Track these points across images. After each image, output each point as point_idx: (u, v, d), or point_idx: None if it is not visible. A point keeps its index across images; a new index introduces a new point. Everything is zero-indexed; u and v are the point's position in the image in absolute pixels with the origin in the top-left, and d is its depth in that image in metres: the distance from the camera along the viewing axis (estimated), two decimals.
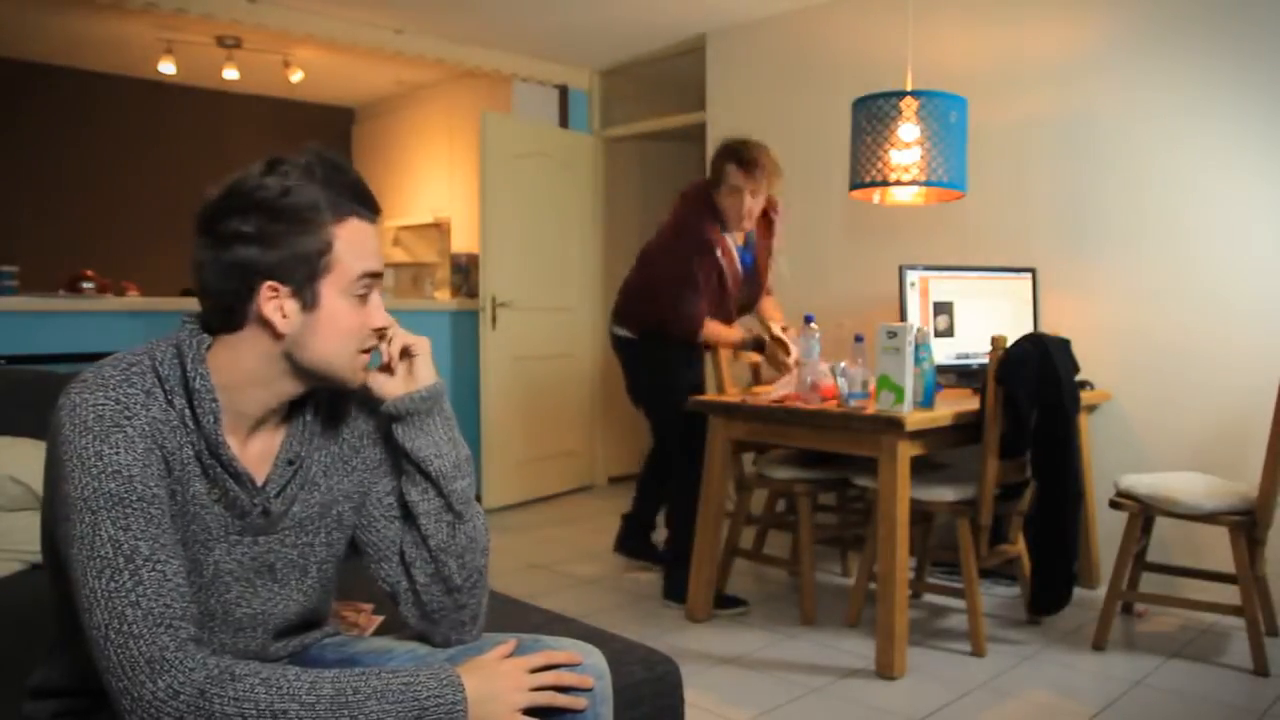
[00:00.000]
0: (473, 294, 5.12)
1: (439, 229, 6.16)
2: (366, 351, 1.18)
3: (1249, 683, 2.63)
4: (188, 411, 1.10)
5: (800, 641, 2.97)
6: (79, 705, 1.18)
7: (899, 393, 2.65)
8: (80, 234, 5.54)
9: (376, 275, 1.16)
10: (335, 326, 1.12)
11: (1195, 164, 3.27)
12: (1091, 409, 3.46)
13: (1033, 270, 3.58)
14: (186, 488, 1.10)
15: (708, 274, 3.22)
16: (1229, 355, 3.20)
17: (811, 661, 2.80)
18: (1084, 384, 3.29)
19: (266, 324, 1.10)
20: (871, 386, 2.77)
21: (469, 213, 5.58)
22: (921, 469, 2.98)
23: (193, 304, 1.16)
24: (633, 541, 3.76)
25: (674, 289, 3.24)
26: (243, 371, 1.12)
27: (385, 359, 1.22)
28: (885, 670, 2.67)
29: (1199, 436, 3.27)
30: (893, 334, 2.66)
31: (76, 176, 5.67)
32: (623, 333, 3.52)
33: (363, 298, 1.14)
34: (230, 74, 5.45)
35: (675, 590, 3.30)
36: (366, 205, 1.15)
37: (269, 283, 1.08)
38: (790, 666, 2.76)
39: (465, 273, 5.34)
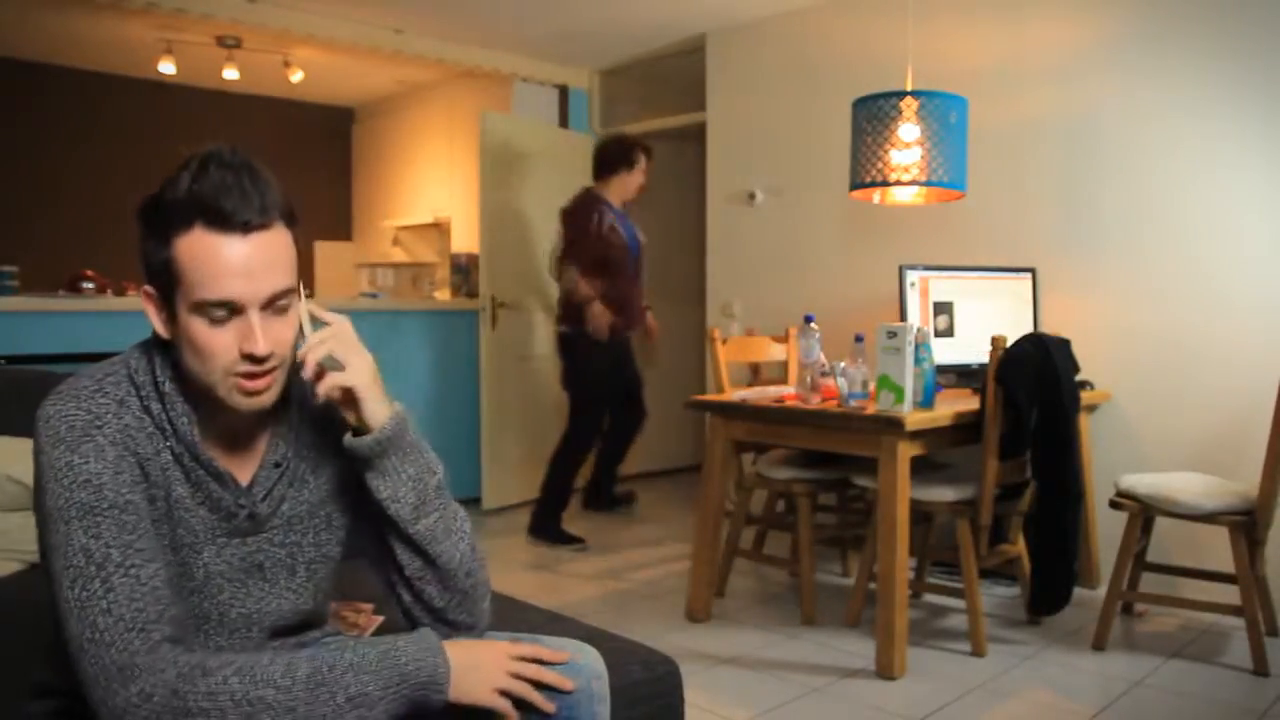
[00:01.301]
0: (473, 294, 5.12)
1: (439, 229, 6.16)
2: (249, 373, 1.06)
3: (1249, 683, 2.63)
4: (164, 416, 1.09)
5: (800, 641, 2.97)
6: (75, 707, 1.18)
7: (899, 393, 2.65)
8: (80, 234, 5.54)
9: (224, 304, 1.03)
10: (193, 345, 1.05)
11: (1195, 164, 3.27)
12: (1091, 409, 3.46)
13: (1033, 270, 3.58)
14: (169, 492, 1.09)
15: (609, 237, 4.05)
16: (1229, 355, 3.20)
17: (811, 661, 2.80)
18: (1084, 384, 3.29)
19: None
20: (871, 387, 2.77)
21: (469, 213, 5.58)
22: (921, 469, 2.97)
23: None
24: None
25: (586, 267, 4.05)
26: (188, 376, 1.09)
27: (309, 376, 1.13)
28: (885, 670, 2.67)
29: (1199, 436, 3.27)
30: (893, 334, 2.66)
31: (76, 176, 5.67)
32: (562, 329, 4.19)
33: (216, 321, 1.04)
34: (230, 74, 5.45)
35: (538, 528, 4.14)
36: (223, 217, 1.02)
37: (145, 285, 1.07)
38: (790, 666, 2.76)
39: (465, 273, 5.34)
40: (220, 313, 1.03)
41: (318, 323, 1.14)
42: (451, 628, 1.23)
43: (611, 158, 4.16)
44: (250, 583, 1.17)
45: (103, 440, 1.04)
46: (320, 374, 1.12)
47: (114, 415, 1.06)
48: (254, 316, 1.04)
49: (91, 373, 1.09)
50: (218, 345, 1.04)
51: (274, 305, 1.06)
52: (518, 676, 1.13)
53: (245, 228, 1.03)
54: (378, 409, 1.13)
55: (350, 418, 1.15)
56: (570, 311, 4.12)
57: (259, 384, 1.07)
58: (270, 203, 1.06)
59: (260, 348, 1.04)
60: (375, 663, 1.04)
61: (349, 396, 1.13)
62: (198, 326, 1.04)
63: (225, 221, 1.02)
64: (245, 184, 1.04)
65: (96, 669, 0.97)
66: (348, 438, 1.15)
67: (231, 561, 1.15)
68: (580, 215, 4.08)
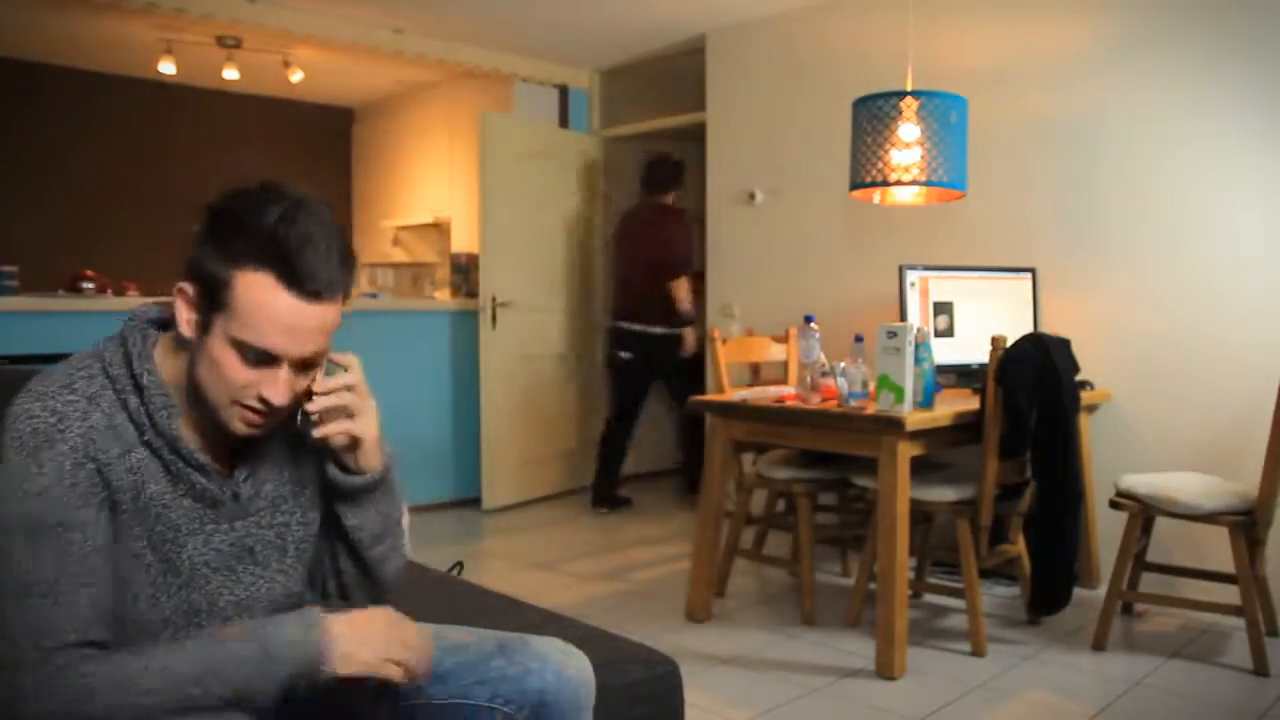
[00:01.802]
0: (473, 294, 5.12)
1: (439, 229, 6.16)
2: (258, 411, 1.09)
3: (1249, 683, 2.63)
4: (142, 410, 1.09)
5: (800, 641, 2.97)
6: None
7: (899, 393, 2.65)
8: (80, 234, 5.54)
9: (263, 353, 1.06)
10: (215, 367, 1.07)
11: (1195, 164, 3.27)
12: (1091, 409, 3.46)
13: (1033, 270, 3.58)
14: (140, 492, 1.08)
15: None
16: (1229, 355, 3.20)
17: (811, 661, 2.80)
18: (1084, 384, 3.29)
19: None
20: (871, 386, 2.77)
21: (469, 213, 5.58)
22: (921, 469, 2.97)
23: None
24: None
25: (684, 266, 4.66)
26: (178, 370, 1.11)
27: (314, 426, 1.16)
28: (885, 670, 2.67)
29: (1199, 436, 3.27)
30: (893, 334, 2.66)
31: (76, 176, 5.66)
32: (658, 330, 4.64)
33: (248, 361, 1.06)
34: (230, 74, 5.45)
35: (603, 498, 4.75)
36: (297, 277, 1.04)
37: (184, 281, 1.08)
38: (790, 666, 2.76)
39: (465, 273, 5.34)
40: (254, 357, 1.06)
41: (332, 366, 1.17)
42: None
43: (670, 176, 4.73)
44: (240, 568, 1.17)
45: (63, 447, 1.03)
46: (323, 416, 1.16)
47: (80, 416, 1.05)
48: (284, 370, 1.08)
49: (64, 368, 1.09)
50: (240, 379, 1.07)
51: (304, 364, 1.10)
52: (392, 660, 1.11)
53: (313, 295, 1.06)
54: (374, 457, 1.20)
55: (347, 460, 1.19)
56: (660, 313, 4.60)
57: (264, 421, 1.11)
58: (344, 276, 1.09)
59: (280, 399, 1.08)
60: (258, 650, 1.04)
61: (353, 444, 1.18)
62: (228, 357, 1.06)
63: (297, 282, 1.04)
64: (331, 250, 1.07)
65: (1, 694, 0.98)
66: (333, 471, 1.19)
67: (220, 549, 1.15)
68: (682, 225, 4.67)
